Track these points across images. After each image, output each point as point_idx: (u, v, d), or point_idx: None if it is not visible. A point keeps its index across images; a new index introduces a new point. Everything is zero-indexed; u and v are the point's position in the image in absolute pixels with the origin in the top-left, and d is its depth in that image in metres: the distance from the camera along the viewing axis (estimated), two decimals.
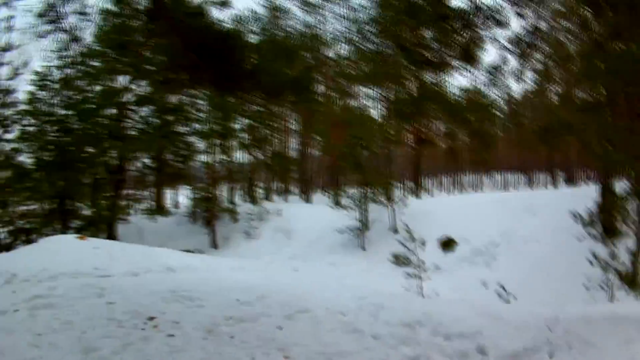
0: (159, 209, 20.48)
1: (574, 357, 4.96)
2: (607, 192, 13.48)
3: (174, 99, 19.01)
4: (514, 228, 14.92)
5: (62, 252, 7.61)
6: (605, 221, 13.41)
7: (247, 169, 25.19)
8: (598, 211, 13.69)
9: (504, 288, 8.15)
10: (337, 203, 25.17)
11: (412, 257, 9.18)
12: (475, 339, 5.08)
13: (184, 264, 8.22)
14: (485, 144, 24.90)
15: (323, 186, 36.18)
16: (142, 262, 7.77)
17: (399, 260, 9.17)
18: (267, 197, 23.26)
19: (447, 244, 15.18)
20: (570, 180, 32.17)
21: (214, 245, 19.25)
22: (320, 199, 31.04)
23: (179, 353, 4.16)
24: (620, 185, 13.50)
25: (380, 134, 20.50)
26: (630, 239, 12.62)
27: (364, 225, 17.21)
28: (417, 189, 26.06)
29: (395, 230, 17.01)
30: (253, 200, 24.03)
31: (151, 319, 4.85)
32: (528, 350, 5.00)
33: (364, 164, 18.86)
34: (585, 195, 15.52)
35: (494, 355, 4.79)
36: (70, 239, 9.18)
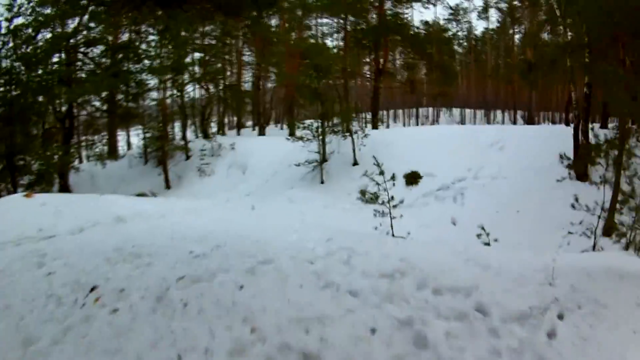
0: (110, 153, 19.48)
1: (586, 320, 4.18)
2: (584, 135, 12.95)
3: (124, 37, 19.08)
4: (481, 163, 14.48)
5: (6, 215, 6.76)
6: (579, 165, 13.06)
7: (200, 103, 24.42)
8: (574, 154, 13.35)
9: (483, 228, 7.35)
10: (292, 134, 24.53)
11: (381, 192, 8.12)
12: (471, 294, 4.29)
13: (134, 212, 7.59)
14: (446, 77, 24.54)
15: (278, 119, 35.28)
16: (90, 214, 7.08)
17: (366, 196, 8.23)
18: (220, 132, 21.91)
19: (412, 179, 14.55)
20: (530, 121, 32.13)
21: (167, 185, 18.14)
22: (275, 131, 30.29)
23: (124, 336, 3.42)
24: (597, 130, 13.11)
25: (339, 64, 19.26)
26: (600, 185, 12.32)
27: (322, 158, 16.28)
28: (374, 121, 25.28)
29: (355, 163, 16.47)
30: (205, 135, 22.96)
31: (93, 289, 4.08)
32: (534, 309, 4.20)
33: (322, 94, 17.65)
34: (551, 136, 15.21)
35: (498, 316, 3.98)
36: (16, 198, 8.34)
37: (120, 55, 18.67)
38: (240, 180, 17.43)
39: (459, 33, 34.67)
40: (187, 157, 19.29)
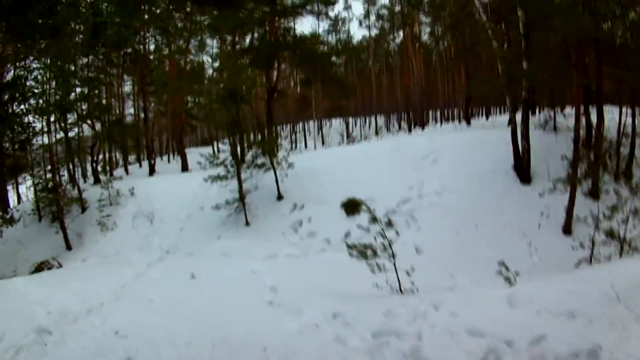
0: (2, 218, 16.43)
1: None
2: (524, 139, 13.31)
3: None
4: (420, 179, 14.38)
5: None
6: (524, 170, 13.45)
7: (88, 144, 22.11)
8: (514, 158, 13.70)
9: (504, 264, 6.85)
10: (185, 169, 23.10)
11: (375, 242, 7.37)
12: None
13: (57, 312, 6.73)
14: (343, 91, 24.67)
15: (167, 152, 33.55)
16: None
17: (359, 251, 7.33)
18: (109, 173, 19.71)
19: (351, 207, 13.64)
20: (421, 125, 33.41)
21: (68, 246, 15.68)
22: (164, 166, 28.43)
23: None
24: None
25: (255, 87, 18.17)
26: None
27: (242, 196, 14.92)
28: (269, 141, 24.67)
29: (280, 197, 15.51)
30: (96, 180, 20.69)
31: None
32: None
33: (239, 123, 16.46)
34: (481, 142, 15.53)
35: None
36: None
37: (6, 96, 16.93)
38: (150, 232, 15.55)
39: (338, 43, 35.16)
40: (83, 210, 17.03)
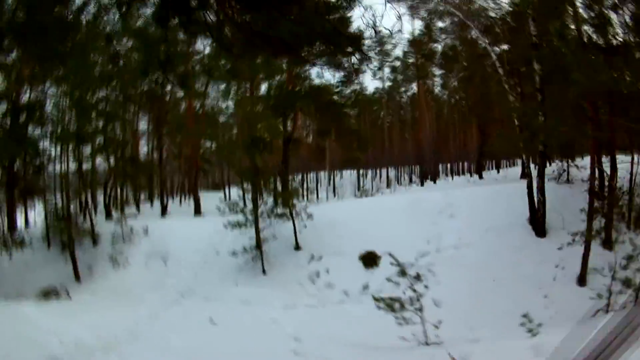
0: (12, 240, 16.82)
1: None
2: (540, 193, 13.74)
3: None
4: (438, 233, 14.70)
5: None
6: (539, 223, 13.79)
7: (101, 179, 22.15)
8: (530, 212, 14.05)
9: (526, 316, 7.19)
10: (198, 212, 23.39)
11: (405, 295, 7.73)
12: None
13: (71, 344, 6.81)
14: (360, 143, 25.19)
15: (179, 193, 34.01)
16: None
17: (387, 303, 7.69)
18: (123, 210, 19.89)
19: (370, 260, 14.30)
20: (432, 179, 33.85)
21: (77, 277, 15.73)
22: (175, 208, 28.76)
23: None
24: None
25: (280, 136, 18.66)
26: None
27: (259, 245, 15.25)
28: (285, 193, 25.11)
29: (298, 247, 15.75)
30: (108, 214, 20.85)
31: None
32: None
33: (263, 172, 16.92)
34: (498, 195, 15.90)
35: None
36: None
37: (23, 118, 17.13)
38: (164, 274, 15.65)
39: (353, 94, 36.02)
40: (95, 243, 17.13)
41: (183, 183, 34.87)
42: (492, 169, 36.00)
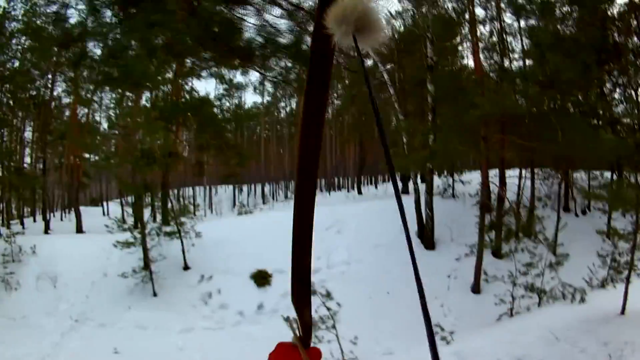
0: None
1: None
2: (428, 207, 14.38)
3: None
4: (327, 249, 14.80)
5: None
6: (428, 237, 14.41)
7: None
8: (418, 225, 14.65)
9: (441, 327, 7.38)
10: (80, 230, 22.13)
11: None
12: None
13: None
14: (241, 158, 24.89)
15: (60, 208, 31.48)
16: None
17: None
18: (9, 226, 17.81)
19: (261, 279, 14.08)
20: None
21: None
22: (58, 224, 26.61)
23: None
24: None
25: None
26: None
27: (148, 266, 14.45)
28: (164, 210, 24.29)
29: (186, 267, 15.13)
30: None
31: None
32: None
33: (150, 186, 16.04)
34: (381, 211, 16.43)
35: None
36: None
37: None
38: (55, 297, 14.43)
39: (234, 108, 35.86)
40: None
41: (63, 197, 32.54)
42: (371, 184, 37.45)
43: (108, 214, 35.00)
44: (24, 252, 15.93)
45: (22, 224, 22.75)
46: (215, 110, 24.28)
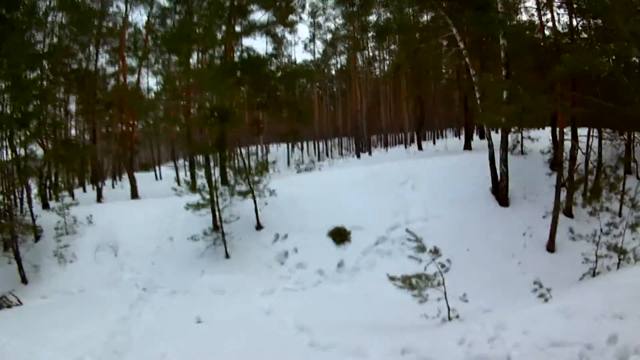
0: None
1: None
2: (504, 164, 14.52)
3: None
4: (403, 206, 15.11)
5: None
6: (503, 193, 14.60)
7: (38, 164, 20.31)
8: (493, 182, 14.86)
9: (539, 283, 7.74)
10: (135, 196, 22.86)
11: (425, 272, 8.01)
12: None
13: None
14: (300, 116, 25.23)
15: (113, 176, 32.82)
16: None
17: (409, 283, 7.95)
18: (62, 199, 18.39)
19: (339, 236, 14.45)
20: (367, 150, 34.74)
21: (23, 279, 14.44)
22: (110, 191, 27.60)
23: None
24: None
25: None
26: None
27: (221, 227, 14.75)
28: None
29: (259, 226, 15.47)
30: (45, 205, 19.55)
31: None
32: None
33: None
34: (454, 166, 16.63)
35: None
36: None
37: None
38: (117, 267, 14.70)
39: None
40: (37, 238, 15.81)
41: (114, 165, 33.77)
42: (428, 140, 37.46)
43: (161, 178, 36.33)
44: (79, 223, 16.28)
45: (72, 195, 23.52)
46: (269, 68, 24.43)
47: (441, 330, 7.30)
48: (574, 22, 13.42)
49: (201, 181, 15.30)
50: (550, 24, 14.12)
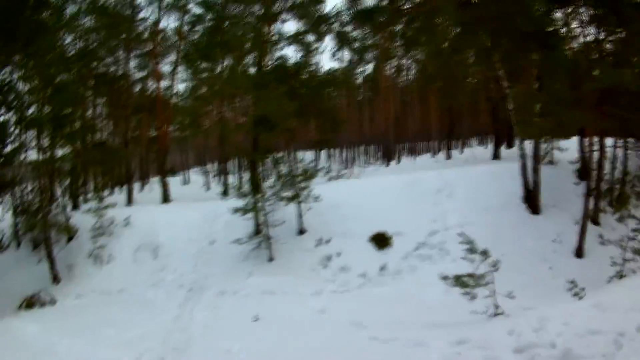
0: None
1: None
2: (535, 173, 15.44)
3: None
4: (441, 213, 16.05)
5: None
6: (534, 202, 15.49)
7: (71, 166, 21.18)
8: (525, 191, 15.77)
9: (574, 283, 8.84)
10: (167, 199, 23.93)
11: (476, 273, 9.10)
12: None
13: None
14: (333, 124, 26.26)
15: (142, 180, 33.88)
16: None
17: (461, 281, 9.06)
18: (101, 199, 19.08)
19: (380, 241, 15.42)
20: (396, 159, 35.61)
21: (56, 279, 15.18)
22: (140, 196, 28.59)
23: None
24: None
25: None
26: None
27: (266, 231, 15.72)
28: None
29: (302, 231, 16.49)
30: (75, 205, 20.75)
31: None
32: None
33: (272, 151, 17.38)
34: (489, 176, 17.53)
35: None
36: None
37: None
38: (157, 268, 15.49)
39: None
40: (70, 239, 16.55)
41: (143, 169, 35.08)
42: (455, 149, 38.30)
43: (189, 182, 37.70)
44: (115, 224, 16.90)
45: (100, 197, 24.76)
46: (305, 76, 25.31)
47: (491, 324, 8.32)
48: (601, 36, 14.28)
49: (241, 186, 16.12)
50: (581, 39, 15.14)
